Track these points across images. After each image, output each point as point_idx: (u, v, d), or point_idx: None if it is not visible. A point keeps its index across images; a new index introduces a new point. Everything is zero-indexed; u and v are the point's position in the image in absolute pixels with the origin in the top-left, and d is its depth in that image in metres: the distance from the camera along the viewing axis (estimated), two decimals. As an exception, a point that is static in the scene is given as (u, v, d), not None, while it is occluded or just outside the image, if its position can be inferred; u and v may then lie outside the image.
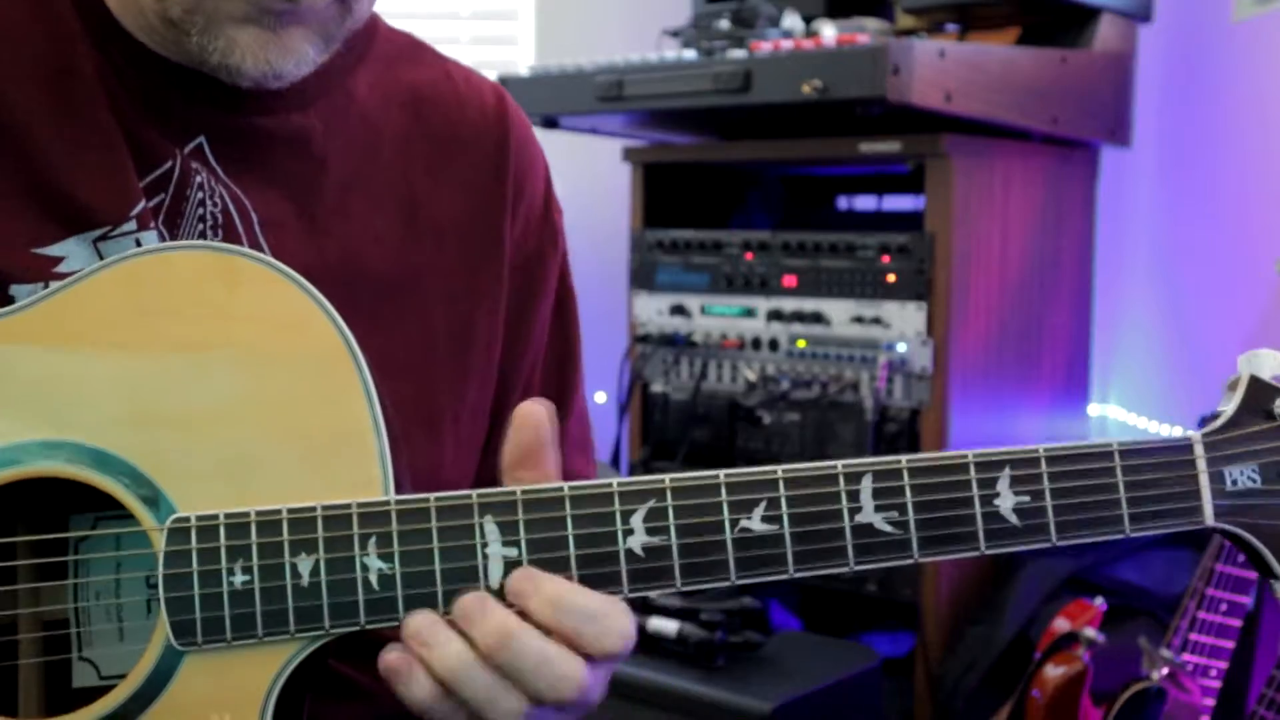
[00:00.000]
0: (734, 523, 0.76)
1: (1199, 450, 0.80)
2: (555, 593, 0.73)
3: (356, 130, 0.96)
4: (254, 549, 0.74)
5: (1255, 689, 1.74)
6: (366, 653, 0.95)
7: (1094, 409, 2.56)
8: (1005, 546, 0.78)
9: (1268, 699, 1.60)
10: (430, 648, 0.73)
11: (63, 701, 0.80)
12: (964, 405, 2.12)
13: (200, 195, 0.89)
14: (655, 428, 2.40)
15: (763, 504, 0.76)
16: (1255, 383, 0.82)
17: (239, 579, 0.74)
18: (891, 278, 2.13)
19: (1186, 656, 1.73)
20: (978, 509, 0.77)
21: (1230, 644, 1.73)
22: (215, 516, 0.74)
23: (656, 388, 2.40)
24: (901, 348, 2.11)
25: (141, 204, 0.87)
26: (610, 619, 0.74)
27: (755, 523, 0.76)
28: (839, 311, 2.19)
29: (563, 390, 1.07)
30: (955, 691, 2.08)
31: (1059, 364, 2.38)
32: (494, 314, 1.00)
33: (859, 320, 2.16)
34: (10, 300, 0.82)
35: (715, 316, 2.33)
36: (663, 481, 0.76)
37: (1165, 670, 1.71)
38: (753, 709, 1.76)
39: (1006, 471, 0.78)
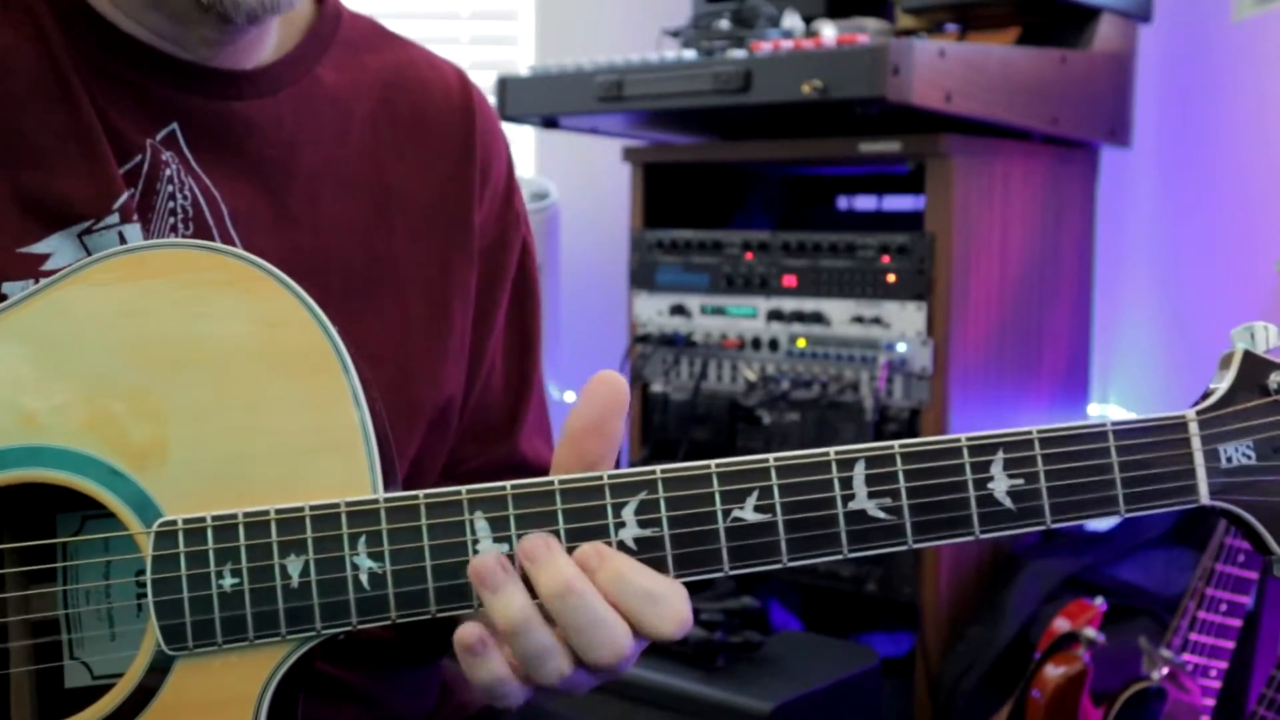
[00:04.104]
0: (726, 513, 0.75)
1: (1193, 428, 0.79)
2: (619, 570, 0.73)
3: (326, 116, 0.96)
4: (242, 551, 0.73)
5: (1255, 689, 1.74)
6: (359, 654, 0.94)
7: (1094, 409, 2.56)
8: (1000, 530, 0.77)
9: (1268, 699, 1.60)
10: (496, 594, 0.72)
11: (55, 703, 0.79)
12: (964, 405, 2.12)
13: (170, 188, 0.89)
14: (655, 428, 2.40)
15: (755, 493, 0.75)
16: (1249, 358, 0.80)
17: (228, 581, 0.73)
18: (891, 278, 2.13)
19: (1186, 656, 1.73)
20: (971, 493, 0.77)
21: (1230, 644, 1.73)
22: (202, 519, 0.74)
23: (656, 388, 2.40)
24: (901, 348, 2.11)
25: (124, 195, 0.86)
26: (671, 603, 0.74)
27: (748, 512, 0.75)
28: (839, 311, 2.19)
29: (523, 374, 1.07)
30: (955, 692, 2.08)
31: (1059, 364, 2.38)
32: (466, 300, 1.01)
33: (859, 320, 2.16)
34: (2, 299, 0.82)
35: (715, 316, 2.33)
36: (654, 473, 0.75)
37: (1165, 670, 1.71)
38: (753, 709, 1.76)
39: (1000, 454, 0.77)
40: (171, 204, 0.88)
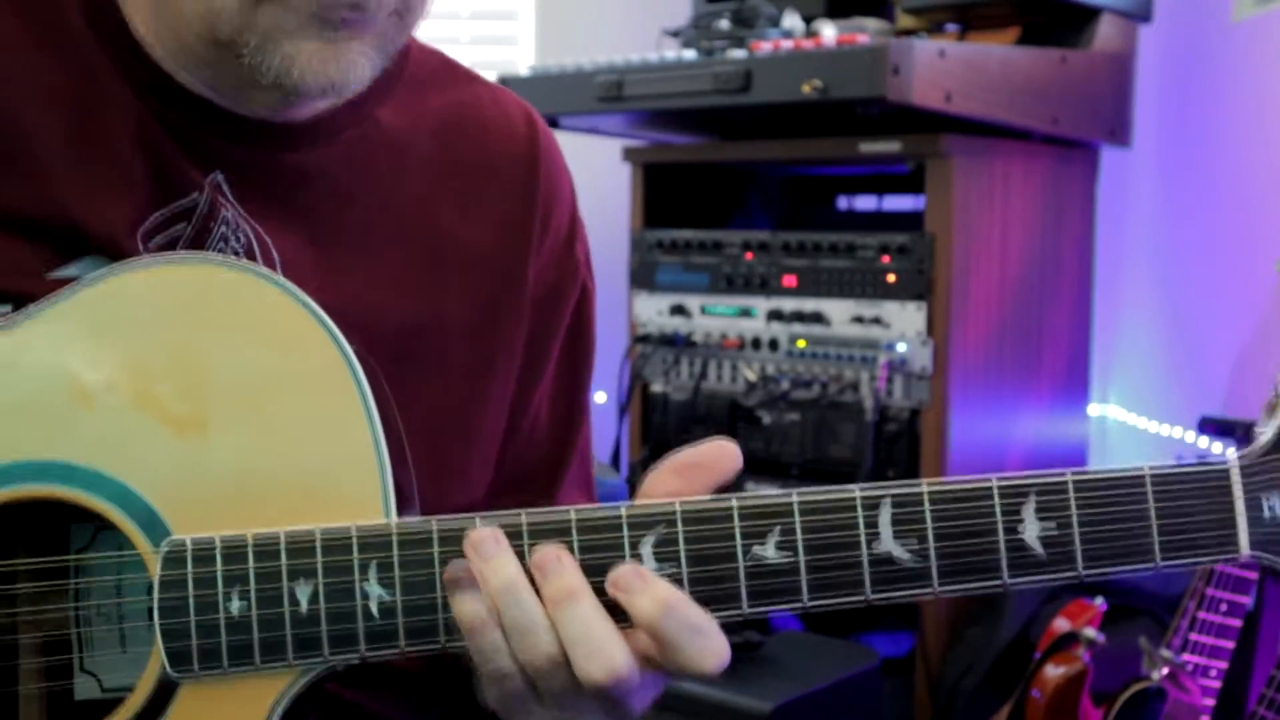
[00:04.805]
0: (746, 550, 0.73)
1: (1235, 476, 0.75)
2: (668, 596, 0.71)
3: (382, 162, 0.92)
4: (251, 575, 0.72)
5: (1255, 689, 1.74)
6: (374, 678, 0.93)
7: (1094, 409, 2.56)
8: (1030, 578, 0.74)
9: (1268, 699, 1.60)
10: (488, 561, 0.72)
11: (64, 715, 0.78)
12: (964, 405, 2.12)
13: (224, 229, 0.86)
14: (655, 428, 2.40)
15: (776, 531, 0.73)
16: None
17: (236, 606, 0.72)
18: (891, 278, 2.13)
19: (1186, 656, 1.73)
20: (1001, 538, 0.73)
21: (1230, 644, 1.73)
22: (211, 541, 0.72)
23: (656, 388, 2.40)
24: (901, 348, 2.11)
25: (160, 237, 0.84)
26: (715, 639, 0.72)
27: (769, 551, 0.73)
28: (839, 311, 2.19)
29: (569, 426, 1.03)
30: (955, 692, 2.08)
31: (1059, 364, 2.38)
32: (512, 356, 0.97)
33: (859, 320, 2.16)
34: None
35: (715, 316, 2.33)
36: (673, 507, 0.73)
37: (1165, 670, 1.71)
38: (753, 709, 1.76)
39: (1032, 498, 0.74)
40: (223, 246, 0.86)
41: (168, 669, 0.72)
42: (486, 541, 0.72)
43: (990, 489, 0.74)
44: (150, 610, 0.73)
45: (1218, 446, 2.24)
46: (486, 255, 0.95)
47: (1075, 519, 0.74)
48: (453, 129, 0.96)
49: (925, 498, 0.74)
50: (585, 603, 0.71)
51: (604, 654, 0.71)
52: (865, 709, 1.93)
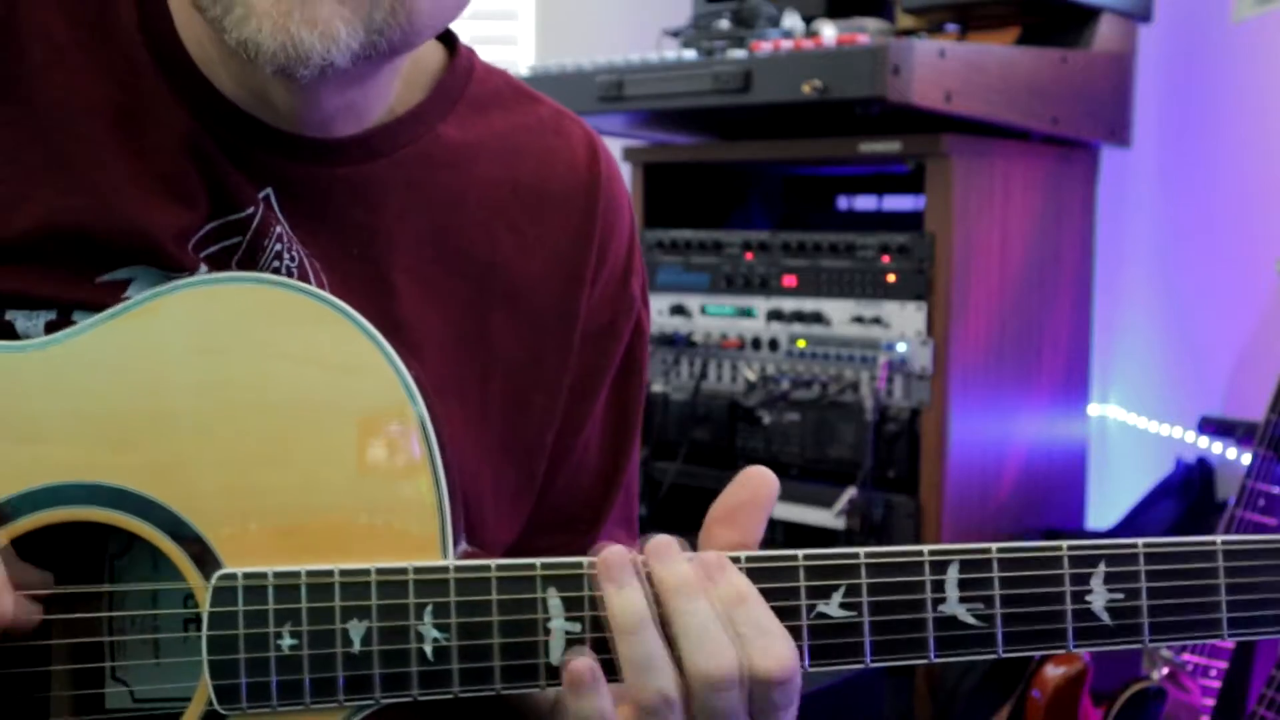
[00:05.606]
0: (811, 608, 0.72)
1: None
2: (742, 591, 0.71)
3: (442, 180, 0.89)
4: (303, 612, 0.70)
5: (1255, 689, 1.74)
6: (413, 707, 0.92)
7: (1094, 409, 2.56)
8: (1094, 645, 0.74)
9: (1268, 699, 1.60)
10: (621, 589, 0.70)
11: None
12: (964, 405, 2.12)
13: (279, 246, 0.83)
14: (656, 428, 2.40)
15: (842, 589, 0.72)
16: None
17: (287, 642, 0.70)
18: (891, 278, 2.13)
19: (1186, 656, 1.73)
20: (1068, 605, 0.73)
21: (1230, 644, 1.72)
22: (264, 575, 0.71)
23: (656, 388, 2.40)
24: (901, 348, 2.11)
25: (212, 249, 0.82)
26: (779, 641, 0.71)
27: (833, 609, 0.72)
28: (839, 311, 2.19)
29: (616, 462, 0.99)
30: (955, 691, 2.08)
31: (1059, 364, 2.38)
32: (554, 393, 0.93)
33: (859, 320, 2.16)
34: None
35: (715, 316, 2.33)
36: (739, 560, 0.72)
37: (1165, 670, 1.71)
38: (753, 709, 1.76)
39: (1102, 567, 0.74)
40: (277, 264, 0.83)
41: (215, 705, 0.71)
42: (624, 567, 0.71)
43: (1060, 555, 0.74)
44: (185, 622, 0.72)
45: (1217, 446, 2.24)
46: (537, 288, 0.92)
47: (1144, 589, 0.74)
48: (514, 152, 0.93)
49: (994, 561, 0.73)
50: (704, 597, 0.71)
51: (719, 643, 0.70)
52: (865, 709, 1.93)
